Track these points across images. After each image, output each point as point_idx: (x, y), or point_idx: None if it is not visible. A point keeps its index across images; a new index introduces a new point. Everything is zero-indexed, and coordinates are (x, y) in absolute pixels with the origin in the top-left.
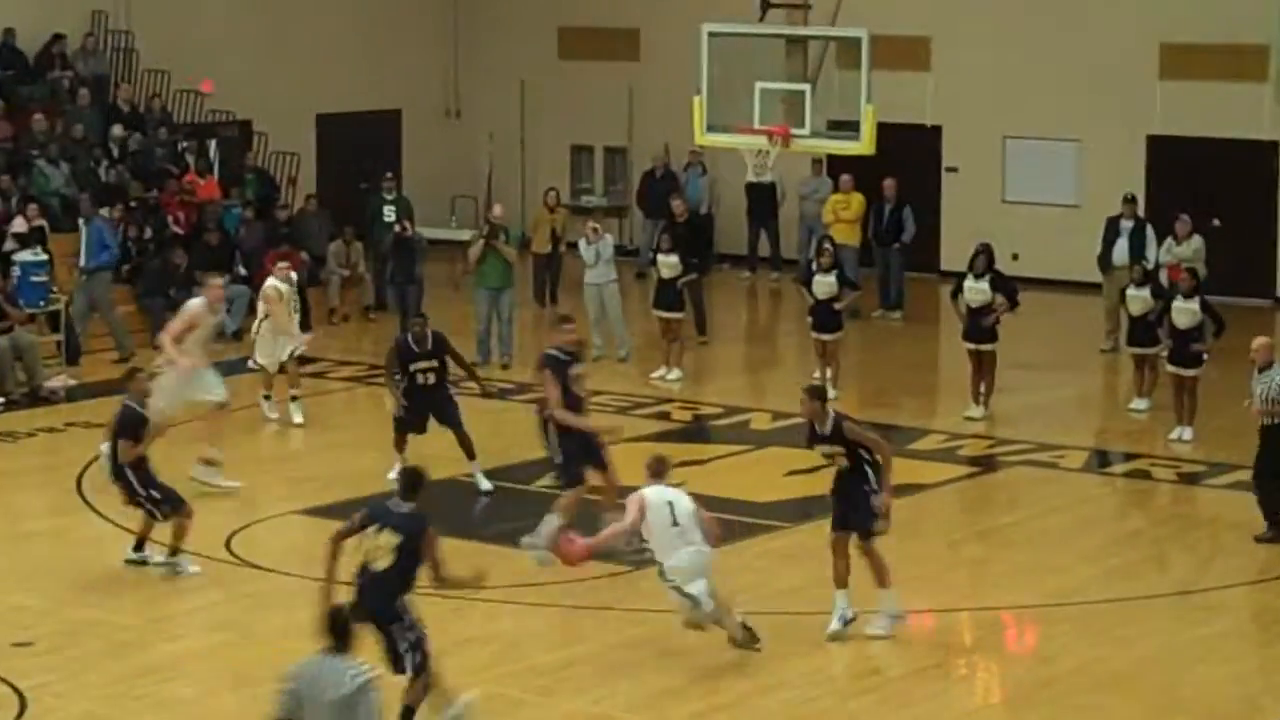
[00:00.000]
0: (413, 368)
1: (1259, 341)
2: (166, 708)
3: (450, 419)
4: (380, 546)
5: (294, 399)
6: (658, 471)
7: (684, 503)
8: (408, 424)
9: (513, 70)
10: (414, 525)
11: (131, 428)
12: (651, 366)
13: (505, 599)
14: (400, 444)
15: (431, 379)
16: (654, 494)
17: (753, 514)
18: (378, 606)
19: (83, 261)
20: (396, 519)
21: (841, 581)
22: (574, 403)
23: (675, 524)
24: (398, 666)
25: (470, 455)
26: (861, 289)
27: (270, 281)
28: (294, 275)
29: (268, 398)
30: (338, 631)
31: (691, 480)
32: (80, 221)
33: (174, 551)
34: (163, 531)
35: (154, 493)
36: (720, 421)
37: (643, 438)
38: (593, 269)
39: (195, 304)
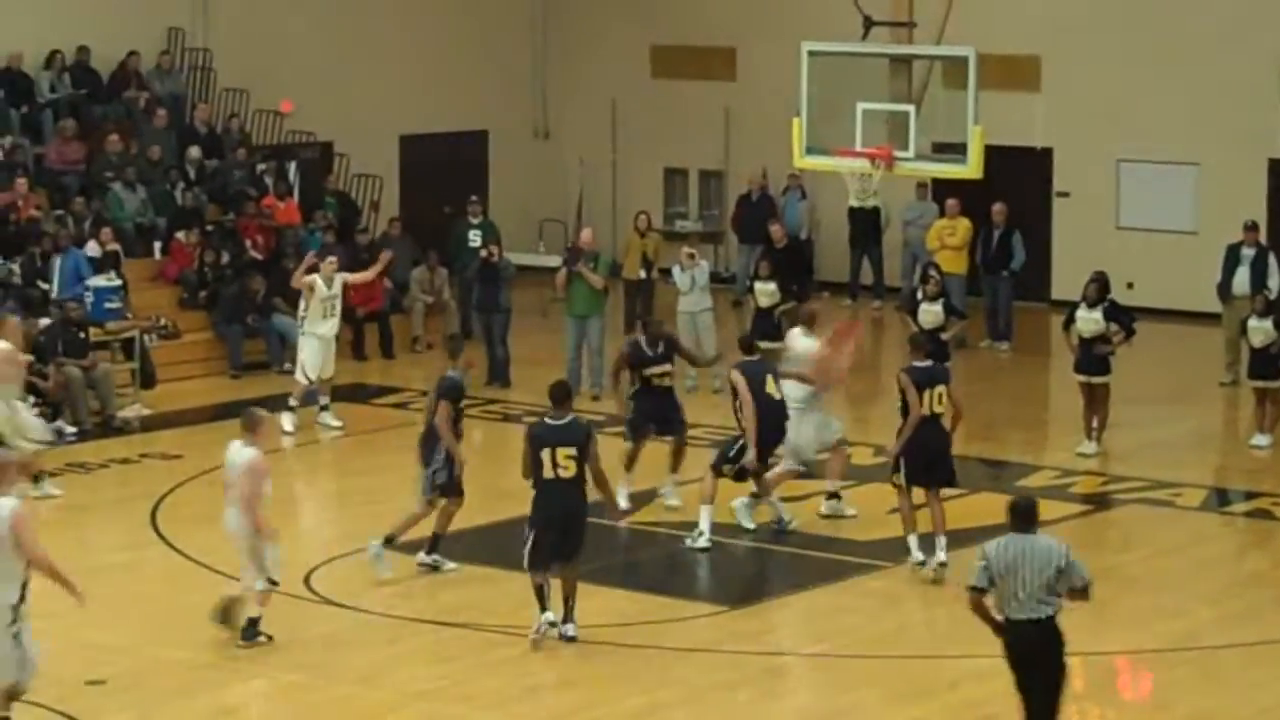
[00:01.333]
0: (647, 371)
1: None
2: None
3: (675, 427)
4: (562, 461)
5: (324, 407)
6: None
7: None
8: (638, 427)
9: (604, 90)
10: (579, 433)
11: (453, 393)
12: None
13: (596, 639)
14: (633, 457)
15: (667, 381)
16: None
17: (854, 553)
18: (574, 508)
19: (55, 293)
20: (562, 433)
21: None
22: None
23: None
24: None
25: (674, 468)
26: (969, 318)
27: (310, 275)
28: (340, 276)
29: (292, 408)
30: (1027, 516)
31: (791, 517)
32: (55, 256)
33: (434, 545)
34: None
35: (438, 472)
36: (820, 456)
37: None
38: (687, 296)
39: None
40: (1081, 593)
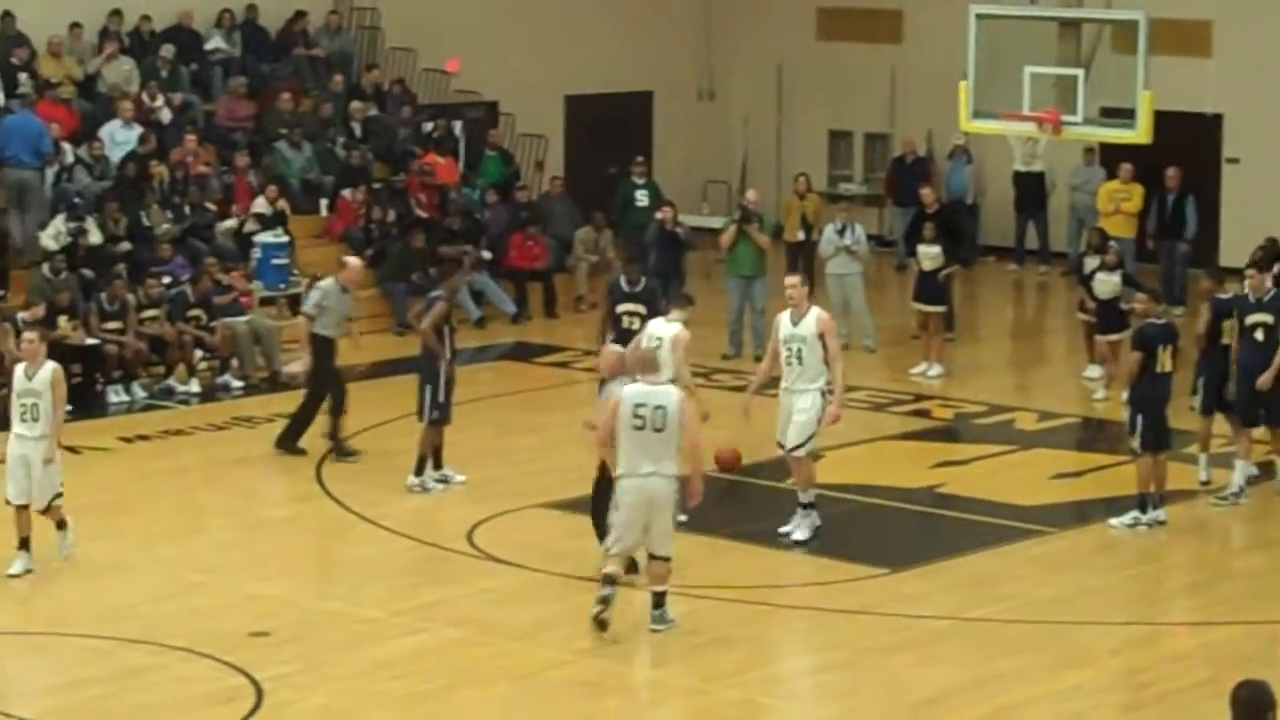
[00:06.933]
0: (619, 309)
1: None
2: (403, 705)
3: None
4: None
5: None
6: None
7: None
8: None
9: (769, 52)
10: None
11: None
12: (906, 361)
13: (759, 600)
14: None
15: (637, 324)
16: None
17: (1016, 518)
18: None
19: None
20: None
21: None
22: None
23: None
24: None
25: None
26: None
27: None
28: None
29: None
30: None
31: (952, 481)
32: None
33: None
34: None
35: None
36: (983, 420)
37: (900, 436)
38: (834, 259)
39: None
40: None
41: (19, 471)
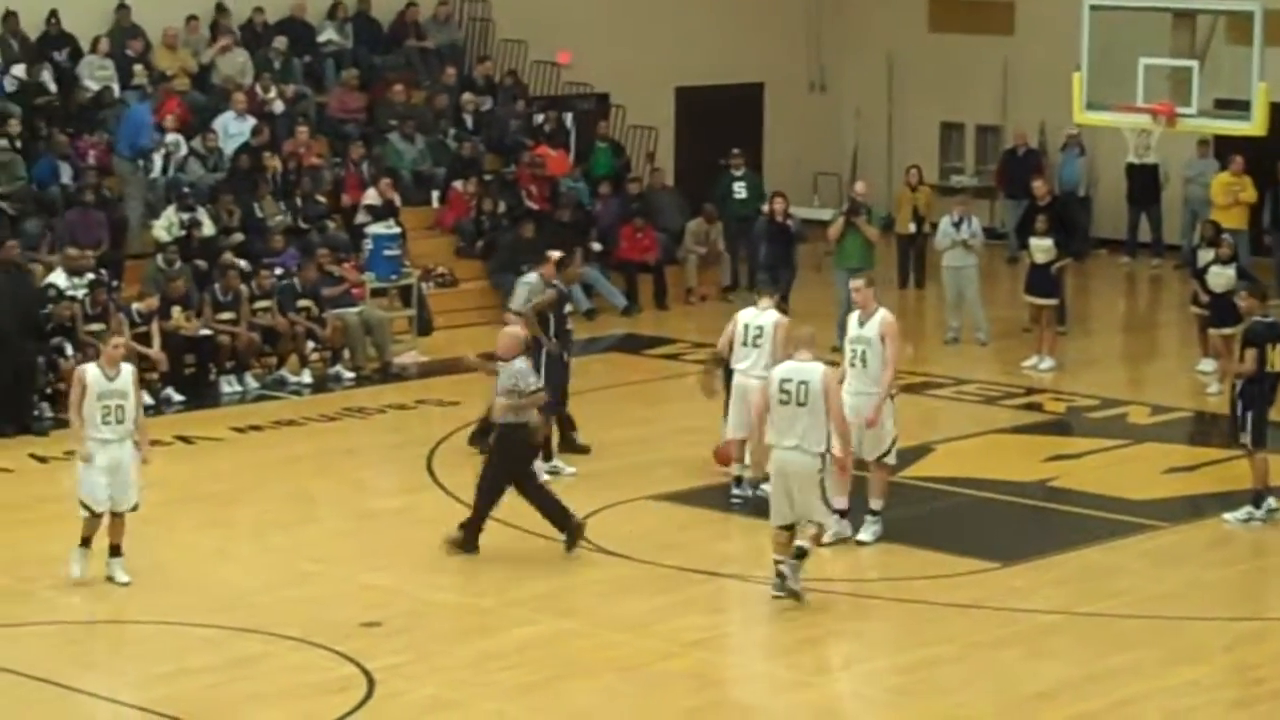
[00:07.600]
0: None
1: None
2: (511, 695)
3: None
4: None
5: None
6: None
7: None
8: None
9: (880, 43)
10: None
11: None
12: (1017, 355)
13: (869, 594)
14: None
15: None
16: None
17: (1129, 512)
18: None
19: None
20: None
21: None
22: None
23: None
24: None
25: None
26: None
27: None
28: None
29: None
30: None
31: (1064, 475)
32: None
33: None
34: None
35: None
36: (1095, 414)
37: (1012, 429)
38: (950, 251)
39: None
40: None
41: (107, 478)
